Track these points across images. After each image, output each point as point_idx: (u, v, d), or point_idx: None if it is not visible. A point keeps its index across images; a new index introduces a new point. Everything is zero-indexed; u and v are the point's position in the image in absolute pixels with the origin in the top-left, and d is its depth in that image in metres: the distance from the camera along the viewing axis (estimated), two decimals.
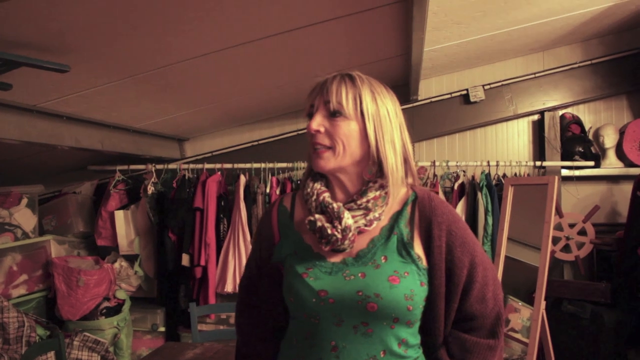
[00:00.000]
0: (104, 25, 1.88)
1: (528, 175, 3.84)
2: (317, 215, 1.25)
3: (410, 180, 1.33)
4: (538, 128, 4.00)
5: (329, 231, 1.21)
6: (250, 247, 3.62)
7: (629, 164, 3.82)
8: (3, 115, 2.47)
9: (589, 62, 3.90)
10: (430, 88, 4.05)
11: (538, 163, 3.81)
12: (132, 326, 3.80)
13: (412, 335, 1.24)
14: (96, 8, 1.71)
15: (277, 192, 3.75)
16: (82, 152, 3.32)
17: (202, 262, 3.66)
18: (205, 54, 2.37)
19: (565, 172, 3.83)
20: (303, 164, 3.83)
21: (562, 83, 3.95)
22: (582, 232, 3.67)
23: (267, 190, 3.76)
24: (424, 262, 1.24)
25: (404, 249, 1.23)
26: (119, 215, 3.87)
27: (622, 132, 3.86)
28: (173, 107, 3.32)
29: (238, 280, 3.62)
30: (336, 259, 1.25)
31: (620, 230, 3.55)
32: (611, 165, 3.86)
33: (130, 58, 2.28)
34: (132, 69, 2.42)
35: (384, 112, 1.25)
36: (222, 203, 3.78)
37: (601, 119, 4.00)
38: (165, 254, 3.76)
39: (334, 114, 1.23)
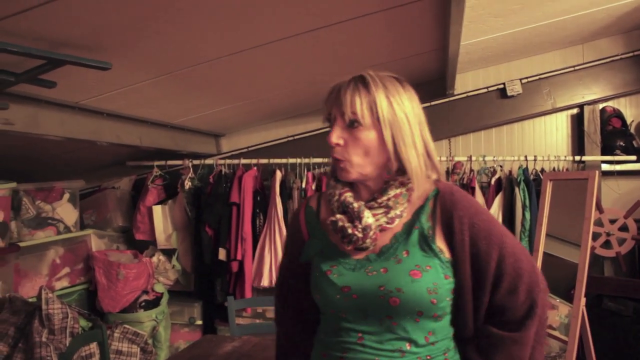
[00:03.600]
0: (142, 23, 1.91)
1: (567, 170, 3.78)
2: (338, 215, 1.27)
3: (434, 176, 1.32)
4: (577, 122, 3.92)
5: (350, 231, 1.23)
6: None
7: None
8: (47, 112, 2.54)
9: (631, 54, 3.80)
10: (466, 82, 4.01)
11: (577, 158, 3.73)
12: (170, 319, 3.86)
13: (441, 328, 1.24)
14: (135, 6, 1.74)
15: (313, 187, 3.76)
16: (121, 148, 3.39)
17: (239, 257, 3.70)
18: (241, 51, 2.39)
19: (605, 167, 3.75)
20: None
21: (602, 76, 3.86)
22: (624, 228, 3.59)
23: (303, 185, 3.78)
24: (447, 255, 1.24)
25: (425, 242, 1.24)
26: (157, 210, 3.94)
27: None
28: (210, 104, 3.36)
29: (274, 275, 3.65)
30: (360, 255, 1.27)
31: None
32: None
33: (168, 55, 2.32)
34: (170, 66, 2.45)
35: (402, 116, 1.24)
36: (258, 198, 3.81)
37: None
38: (202, 248, 3.81)
39: (352, 125, 1.24)
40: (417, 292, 1.17)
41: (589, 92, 3.87)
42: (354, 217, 1.24)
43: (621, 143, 3.73)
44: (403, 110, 1.25)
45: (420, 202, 1.30)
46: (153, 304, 3.66)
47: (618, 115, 3.81)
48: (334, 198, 1.31)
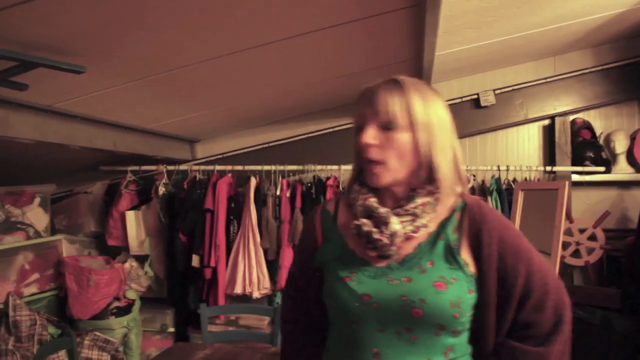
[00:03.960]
0: (118, 28, 1.90)
1: (538, 180, 3.84)
2: (363, 220, 1.23)
3: (459, 189, 1.28)
4: (549, 133, 4.00)
5: (376, 236, 1.19)
6: (260, 249, 3.64)
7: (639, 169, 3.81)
8: (18, 115, 2.50)
9: (600, 68, 3.89)
10: (441, 92, 4.00)
11: (548, 168, 3.80)
12: (142, 326, 3.82)
13: (459, 345, 1.20)
14: (111, 10, 1.73)
15: (287, 194, 3.76)
16: (94, 152, 3.35)
17: (212, 264, 3.68)
18: (217, 57, 2.39)
19: (575, 178, 3.83)
20: (313, 167, 3.84)
21: (573, 88, 3.94)
22: (592, 238, 3.66)
23: (278, 193, 3.78)
24: (471, 269, 1.20)
25: (451, 254, 1.20)
26: (130, 216, 3.90)
27: (633, 138, 3.84)
28: (185, 109, 3.35)
29: (247, 282, 3.64)
30: (381, 263, 1.22)
31: (631, 236, 3.52)
32: (622, 170, 3.84)
33: (144, 60, 2.31)
34: (145, 71, 2.44)
35: (435, 119, 1.22)
36: (233, 205, 3.80)
37: (612, 125, 3.98)
38: (175, 255, 3.78)
39: (387, 126, 1.20)
40: (441, 304, 1.13)
41: (560, 103, 3.95)
42: (380, 222, 1.21)
43: (591, 154, 3.80)
44: (437, 114, 1.23)
45: (446, 213, 1.26)
46: (125, 310, 3.62)
47: (588, 127, 3.89)
48: (357, 202, 1.27)
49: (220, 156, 4.31)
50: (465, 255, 1.21)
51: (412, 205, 1.22)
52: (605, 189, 3.93)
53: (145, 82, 2.55)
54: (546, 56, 3.95)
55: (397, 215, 1.21)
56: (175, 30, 2.02)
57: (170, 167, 4.01)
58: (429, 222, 1.23)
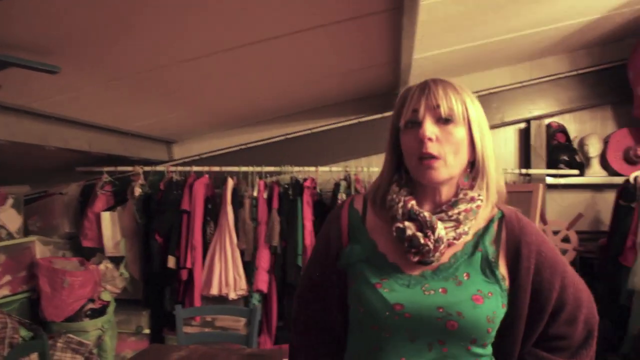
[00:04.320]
0: (94, 27, 1.88)
1: (514, 182, 3.88)
2: (407, 223, 1.17)
3: (494, 198, 1.24)
4: (524, 136, 4.04)
5: (422, 241, 1.14)
6: (236, 250, 3.63)
7: (612, 173, 3.87)
8: None
9: (575, 73, 3.95)
10: None
11: (524, 171, 3.84)
12: (117, 328, 3.77)
13: (486, 357, 1.18)
14: (87, 10, 1.72)
15: (265, 195, 3.75)
16: (69, 153, 3.31)
17: (188, 265, 3.65)
18: (195, 59, 2.37)
19: (550, 180, 3.87)
20: (291, 168, 3.84)
21: (548, 92, 4.00)
22: (566, 240, 3.70)
23: (255, 194, 3.76)
24: (506, 283, 1.18)
25: (489, 268, 1.17)
26: (105, 217, 3.85)
27: (606, 142, 3.91)
28: (161, 110, 3.32)
29: (224, 283, 3.62)
30: (414, 271, 1.18)
31: (603, 238, 3.59)
32: (595, 174, 3.91)
33: (119, 61, 2.28)
34: (121, 71, 2.41)
35: (484, 120, 1.21)
36: (209, 206, 3.78)
37: (586, 129, 4.04)
38: (151, 256, 3.74)
39: (446, 121, 1.16)
40: (477, 319, 1.11)
41: (536, 107, 4.00)
42: (425, 227, 1.15)
43: (565, 157, 3.86)
44: (484, 117, 1.22)
45: (483, 223, 1.23)
46: (99, 312, 3.57)
47: (563, 130, 3.94)
48: (397, 204, 1.20)
49: (198, 157, 4.28)
50: (502, 269, 1.19)
51: (455, 211, 1.18)
52: (579, 191, 3.99)
53: (122, 82, 2.52)
54: (522, 61, 4.00)
55: (441, 220, 1.17)
56: (150, 30, 2.01)
57: (147, 168, 3.97)
58: (469, 230, 1.20)
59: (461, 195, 1.19)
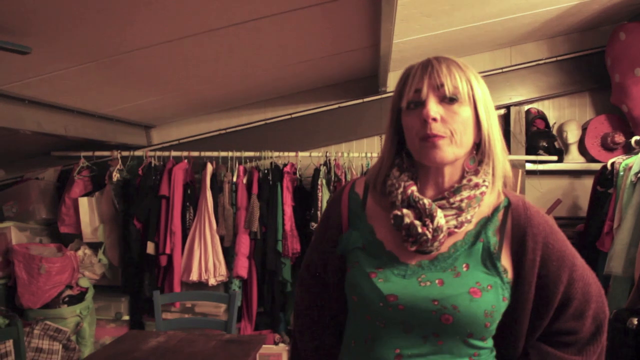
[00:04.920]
0: (67, 8, 1.84)
1: None
2: (405, 210, 1.11)
3: (500, 183, 1.18)
4: (504, 122, 4.06)
5: (419, 229, 1.08)
6: (216, 236, 3.61)
7: (590, 159, 3.92)
8: None
9: (555, 59, 3.97)
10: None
11: None
12: (96, 315, 3.75)
13: (485, 350, 1.13)
14: None
15: (244, 181, 3.74)
16: (45, 138, 3.26)
17: (168, 251, 3.63)
18: (172, 40, 2.34)
19: (529, 166, 3.90)
20: (270, 153, 3.82)
21: (528, 79, 4.01)
22: None
23: (234, 179, 3.74)
24: (509, 276, 1.12)
25: (490, 259, 1.12)
26: (83, 202, 3.81)
27: (584, 128, 3.94)
28: (139, 94, 3.28)
29: (204, 269, 3.61)
30: (411, 260, 1.13)
31: (581, 224, 3.63)
32: (573, 160, 3.94)
33: (94, 42, 2.24)
34: (96, 53, 2.37)
35: (489, 99, 1.15)
36: (189, 191, 3.75)
37: (565, 115, 4.07)
38: (130, 242, 3.71)
39: (451, 100, 1.09)
40: (474, 314, 1.05)
41: (516, 93, 4.01)
42: (424, 215, 1.10)
43: (544, 144, 3.88)
44: (489, 96, 1.16)
45: (487, 211, 1.17)
46: (77, 299, 3.54)
47: (542, 117, 3.97)
48: (397, 190, 1.15)
49: (177, 142, 4.24)
50: (505, 261, 1.13)
51: (458, 198, 1.11)
52: (558, 177, 4.02)
53: (96, 64, 2.48)
54: (502, 46, 4.01)
55: (442, 208, 1.11)
56: (127, 12, 1.97)
57: (125, 153, 3.93)
58: (472, 218, 1.14)
59: (465, 182, 1.13)
